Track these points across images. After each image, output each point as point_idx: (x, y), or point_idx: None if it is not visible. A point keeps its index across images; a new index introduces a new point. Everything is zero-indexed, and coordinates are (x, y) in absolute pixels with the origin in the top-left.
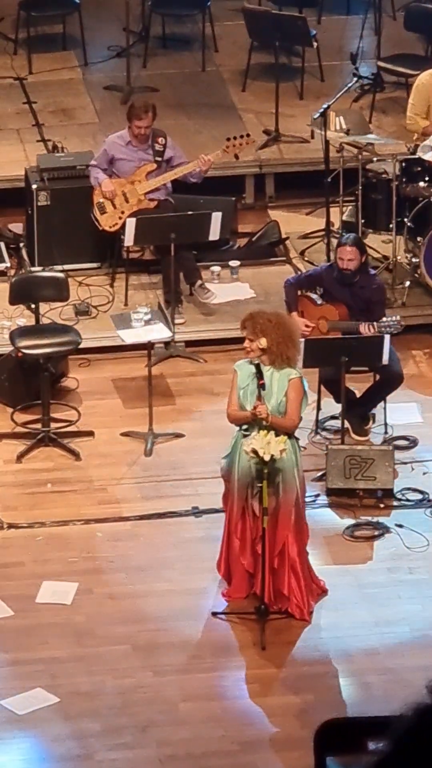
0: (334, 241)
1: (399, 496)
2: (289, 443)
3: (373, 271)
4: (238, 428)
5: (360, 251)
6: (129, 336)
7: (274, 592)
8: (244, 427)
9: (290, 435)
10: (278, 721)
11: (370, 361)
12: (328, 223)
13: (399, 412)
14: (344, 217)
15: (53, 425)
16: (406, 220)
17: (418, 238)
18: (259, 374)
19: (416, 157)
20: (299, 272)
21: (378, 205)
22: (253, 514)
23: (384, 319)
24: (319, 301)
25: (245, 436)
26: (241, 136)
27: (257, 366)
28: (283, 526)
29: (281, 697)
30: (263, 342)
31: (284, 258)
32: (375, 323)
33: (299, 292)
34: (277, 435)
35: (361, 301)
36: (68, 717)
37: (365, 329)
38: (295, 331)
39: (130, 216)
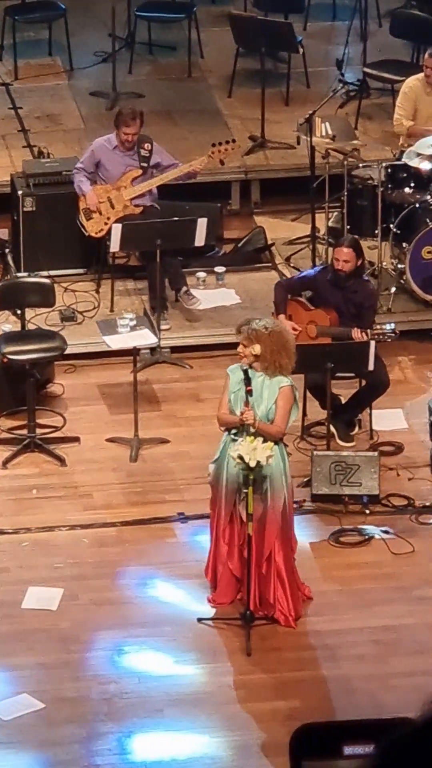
0: (320, 247)
1: (384, 502)
2: (277, 449)
3: (367, 277)
4: (226, 433)
5: (356, 254)
6: (115, 342)
7: (260, 598)
8: (234, 432)
9: (278, 441)
10: (264, 726)
11: (356, 367)
12: (314, 229)
13: (385, 418)
14: (330, 223)
15: (39, 431)
16: (391, 226)
17: (404, 244)
18: (247, 380)
19: (402, 163)
20: (287, 276)
21: (363, 211)
22: (240, 520)
23: (379, 325)
24: (310, 306)
25: (234, 440)
26: (227, 142)
27: (245, 372)
28: (270, 532)
29: (267, 702)
30: (257, 349)
31: (270, 264)
32: (368, 330)
33: (289, 296)
34: (264, 441)
35: (353, 306)
36: (54, 723)
37: (358, 335)
38: (290, 340)
39: (115, 222)
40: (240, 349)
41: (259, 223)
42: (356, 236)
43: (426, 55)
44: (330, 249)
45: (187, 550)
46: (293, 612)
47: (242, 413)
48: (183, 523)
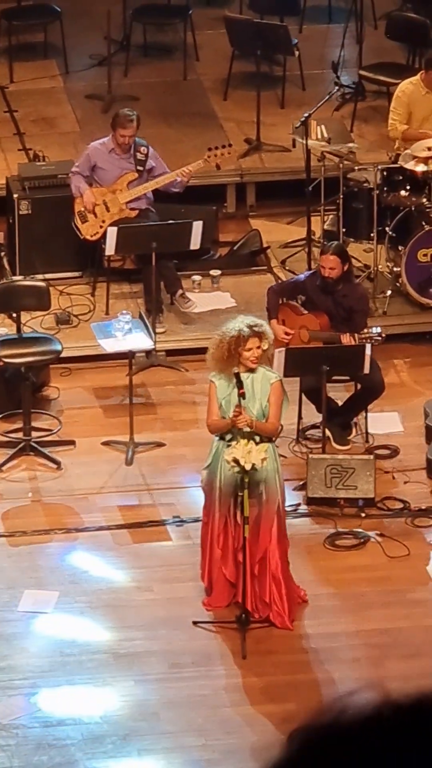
0: (316, 250)
1: (380, 505)
2: (270, 448)
3: (357, 280)
4: (216, 438)
5: (342, 260)
6: (110, 345)
7: (256, 600)
8: (228, 437)
9: (269, 440)
10: (259, 729)
11: (352, 370)
12: (309, 232)
13: (380, 422)
14: (325, 226)
15: (34, 434)
16: (387, 229)
17: (400, 247)
18: (239, 383)
19: (397, 166)
20: (281, 280)
21: (359, 214)
22: (235, 523)
23: (366, 330)
24: (302, 310)
25: (228, 446)
26: (223, 146)
27: (237, 375)
28: (265, 534)
29: (262, 705)
30: (266, 344)
31: (265, 267)
32: (356, 334)
33: (281, 300)
34: (258, 443)
35: (343, 310)
36: (49, 725)
37: (347, 340)
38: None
39: (111, 225)
40: (255, 351)
41: (254, 226)
42: (341, 242)
43: None
44: None
45: (183, 554)
46: (289, 613)
47: (235, 415)
48: (178, 527)
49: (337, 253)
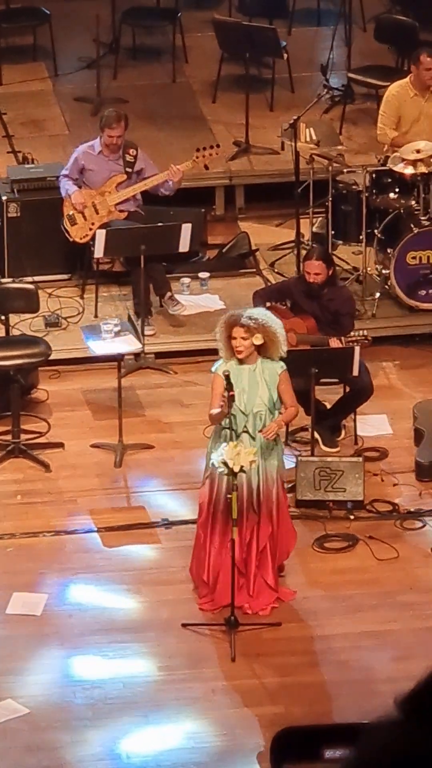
0: (305, 253)
1: (369, 507)
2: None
3: (341, 283)
4: (216, 437)
5: (327, 265)
6: (99, 347)
7: (255, 590)
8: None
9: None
10: (249, 732)
11: (341, 372)
12: (298, 234)
13: (369, 424)
14: (314, 229)
15: (23, 437)
16: (376, 231)
17: (388, 250)
18: (229, 386)
19: (386, 168)
20: (268, 284)
21: (348, 217)
22: (248, 517)
23: (352, 333)
24: (289, 314)
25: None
26: (211, 147)
27: (227, 378)
28: (265, 521)
29: (251, 708)
30: (259, 338)
31: (254, 269)
32: (343, 337)
33: (267, 305)
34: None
35: (329, 314)
36: (38, 728)
37: (335, 344)
38: (281, 324)
39: (100, 227)
40: (240, 341)
41: (243, 228)
42: (325, 246)
43: (424, 55)
44: None
45: (171, 556)
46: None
47: (266, 436)
48: (167, 529)
49: (321, 258)
